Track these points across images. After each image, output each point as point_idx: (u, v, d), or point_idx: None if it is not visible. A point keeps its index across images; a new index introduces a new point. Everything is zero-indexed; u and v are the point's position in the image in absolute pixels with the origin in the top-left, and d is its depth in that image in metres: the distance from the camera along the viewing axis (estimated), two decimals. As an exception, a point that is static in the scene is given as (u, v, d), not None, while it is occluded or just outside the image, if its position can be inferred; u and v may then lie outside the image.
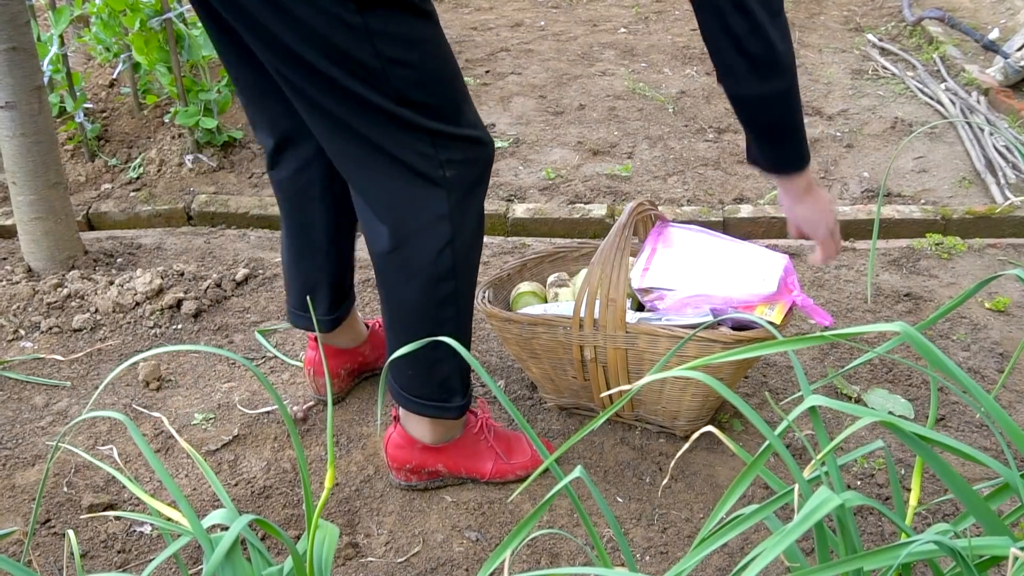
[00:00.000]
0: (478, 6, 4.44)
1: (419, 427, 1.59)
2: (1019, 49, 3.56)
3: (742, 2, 1.28)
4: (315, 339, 1.79)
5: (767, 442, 0.76)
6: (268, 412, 1.81)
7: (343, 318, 1.78)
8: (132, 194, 2.73)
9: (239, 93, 1.54)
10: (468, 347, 1.60)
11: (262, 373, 1.23)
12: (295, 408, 1.80)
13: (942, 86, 3.40)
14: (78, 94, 2.83)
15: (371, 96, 1.27)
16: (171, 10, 2.65)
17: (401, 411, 1.59)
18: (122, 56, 3.02)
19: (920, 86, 3.42)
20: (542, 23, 4.16)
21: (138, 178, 2.81)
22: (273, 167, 1.62)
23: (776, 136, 1.45)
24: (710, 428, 0.85)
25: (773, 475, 0.91)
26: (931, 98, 3.32)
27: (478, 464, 1.64)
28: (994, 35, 3.74)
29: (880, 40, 3.91)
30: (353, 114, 1.30)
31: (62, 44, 2.76)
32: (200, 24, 2.69)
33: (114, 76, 3.27)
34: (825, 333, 0.78)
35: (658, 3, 4.43)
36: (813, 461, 0.80)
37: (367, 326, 1.88)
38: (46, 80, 2.63)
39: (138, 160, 2.88)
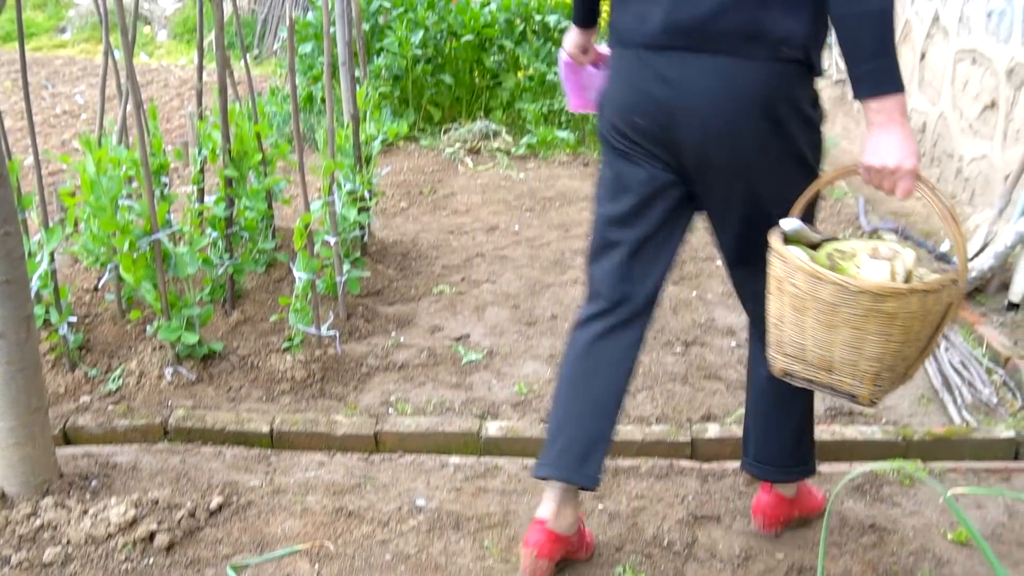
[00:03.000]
0: (455, 208, 4.64)
1: (789, 488, 2.15)
2: (970, 260, 3.75)
3: None
4: (543, 522, 1.94)
5: None
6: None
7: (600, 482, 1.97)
8: (110, 407, 2.77)
9: (608, 248, 1.92)
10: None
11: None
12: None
13: (898, 298, 3.55)
14: (63, 307, 2.90)
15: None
16: (159, 230, 2.77)
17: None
18: (109, 266, 3.12)
19: (877, 298, 3.57)
20: (516, 227, 4.34)
21: (117, 390, 2.85)
22: (586, 323, 1.96)
23: (879, 52, 1.63)
24: None
25: None
26: (888, 310, 3.46)
27: (812, 502, 2.23)
28: (945, 247, 3.94)
29: (838, 248, 4.10)
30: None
31: (52, 261, 2.85)
32: (183, 247, 2.81)
33: (99, 285, 3.36)
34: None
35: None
36: None
37: None
38: (33, 293, 2.71)
39: (118, 371, 2.93)
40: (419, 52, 5.76)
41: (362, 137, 3.68)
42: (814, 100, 1.82)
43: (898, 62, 1.66)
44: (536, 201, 4.74)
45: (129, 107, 3.12)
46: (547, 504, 1.94)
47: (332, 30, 3.88)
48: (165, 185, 3.35)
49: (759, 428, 2.13)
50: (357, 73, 3.86)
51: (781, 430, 2.09)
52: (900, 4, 5.88)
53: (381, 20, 5.98)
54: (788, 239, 1.77)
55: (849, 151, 6.08)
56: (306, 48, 6.00)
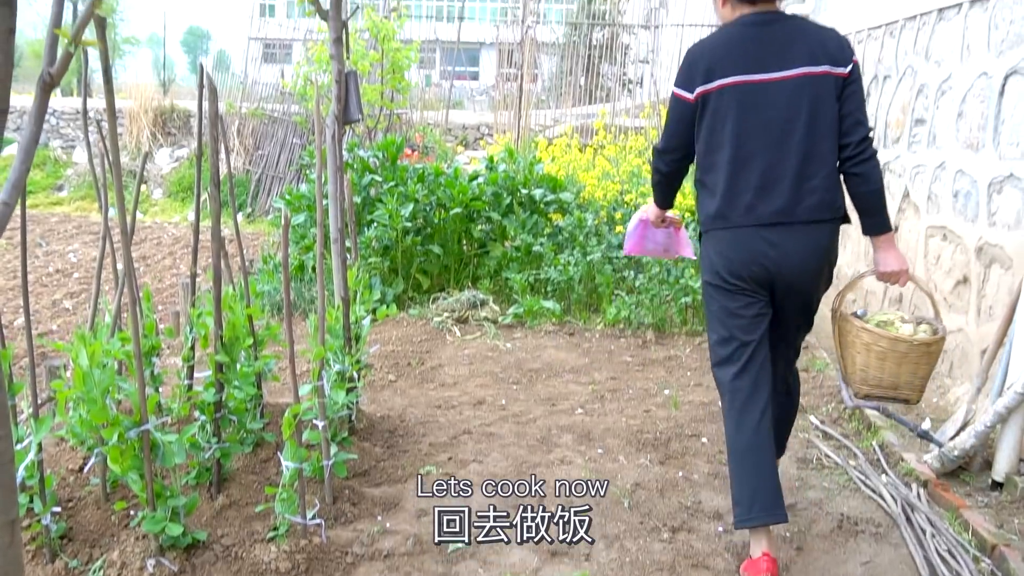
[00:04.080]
0: (443, 382, 4.68)
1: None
2: (952, 438, 3.78)
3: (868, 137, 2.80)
4: (769, 554, 2.73)
5: None
6: None
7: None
8: (89, 603, 2.72)
9: (732, 329, 2.89)
10: None
11: None
12: None
13: (883, 478, 3.58)
14: (48, 496, 2.89)
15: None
16: (149, 421, 2.79)
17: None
18: (95, 451, 3.12)
19: (863, 478, 3.59)
20: (503, 401, 4.38)
21: (97, 583, 2.81)
22: (738, 365, 2.88)
23: (880, 209, 2.84)
24: None
25: None
26: (874, 491, 3.48)
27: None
28: (926, 424, 3.99)
29: (822, 423, 4.15)
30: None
31: (39, 451, 2.86)
32: (170, 435, 2.83)
33: (85, 468, 3.35)
34: None
35: (613, 380, 4.70)
36: None
37: None
38: (18, 481, 2.70)
39: (99, 562, 2.89)
40: (409, 224, 5.94)
41: (352, 317, 3.75)
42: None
43: (888, 211, 2.88)
44: (523, 373, 4.79)
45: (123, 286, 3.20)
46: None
47: (325, 203, 4.02)
48: (155, 365, 3.40)
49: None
50: (348, 243, 3.97)
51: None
52: (871, 179, 6.13)
53: (372, 192, 6.18)
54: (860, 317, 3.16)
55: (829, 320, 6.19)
56: (299, 219, 6.17)
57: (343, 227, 3.94)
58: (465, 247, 6.38)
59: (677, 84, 2.88)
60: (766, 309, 2.87)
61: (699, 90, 2.81)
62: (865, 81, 6.47)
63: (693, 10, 13.46)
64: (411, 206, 5.93)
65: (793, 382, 3.20)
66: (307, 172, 8.18)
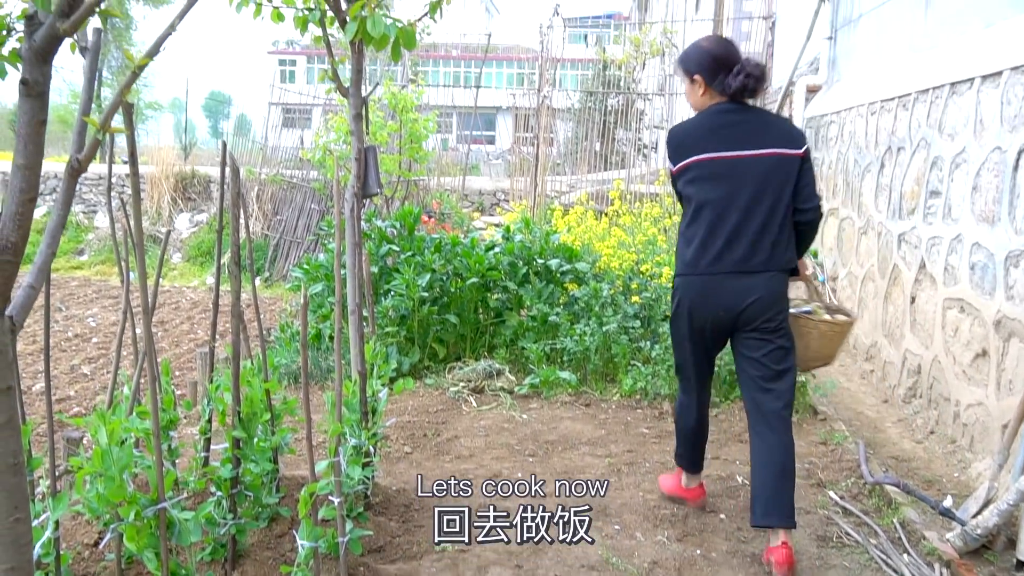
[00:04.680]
0: (459, 454, 4.67)
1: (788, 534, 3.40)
2: (974, 516, 3.73)
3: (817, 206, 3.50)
4: (787, 543, 3.35)
5: None
6: None
7: None
8: None
9: (692, 375, 3.76)
10: None
11: None
12: None
13: (905, 557, 3.52)
14: (64, 574, 2.88)
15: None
16: (166, 500, 2.79)
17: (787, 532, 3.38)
18: (111, 526, 3.12)
19: (884, 557, 3.54)
20: (519, 475, 4.35)
21: (110, 664, 2.79)
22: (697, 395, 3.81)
23: (807, 249, 3.61)
24: None
25: None
26: (896, 571, 3.43)
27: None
28: (948, 501, 3.94)
29: (842, 498, 4.10)
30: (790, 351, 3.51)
31: (56, 529, 2.86)
32: (186, 513, 2.83)
33: (100, 545, 3.34)
34: None
35: (629, 453, 4.67)
36: None
37: None
38: (35, 559, 2.70)
39: (113, 641, 2.87)
40: (425, 294, 5.98)
41: (369, 391, 3.76)
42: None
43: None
44: (539, 445, 4.77)
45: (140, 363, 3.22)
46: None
47: (342, 272, 4.05)
48: (172, 439, 3.41)
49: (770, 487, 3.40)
50: (365, 313, 3.99)
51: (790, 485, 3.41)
52: (888, 248, 6.14)
53: (389, 262, 6.24)
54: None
55: (847, 389, 6.16)
56: (316, 288, 6.22)
57: (361, 299, 3.97)
58: (481, 316, 6.40)
59: (669, 159, 3.59)
60: (721, 344, 3.68)
61: (685, 162, 3.49)
62: (879, 152, 6.53)
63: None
64: (428, 276, 5.98)
65: (786, 425, 3.49)
66: (325, 242, 8.25)
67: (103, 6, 1.90)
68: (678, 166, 3.51)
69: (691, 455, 3.93)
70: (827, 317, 3.89)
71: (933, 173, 5.42)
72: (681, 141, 3.52)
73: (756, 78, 3.45)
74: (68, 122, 37.00)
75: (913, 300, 5.61)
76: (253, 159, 16.34)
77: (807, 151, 3.45)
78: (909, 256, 5.72)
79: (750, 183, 3.38)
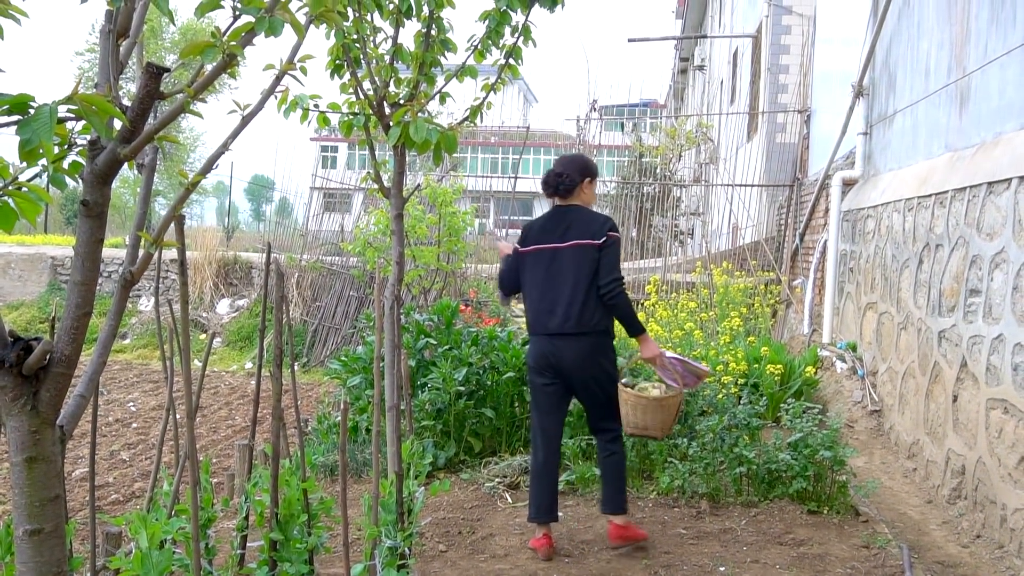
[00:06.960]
0: (494, 553, 4.63)
1: (624, 518, 4.66)
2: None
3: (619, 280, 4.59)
4: (547, 535, 4.60)
5: None
6: None
7: None
8: None
9: (546, 425, 4.70)
10: None
11: None
12: None
13: (953, 673, 3.42)
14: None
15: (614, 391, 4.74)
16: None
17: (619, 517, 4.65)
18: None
19: (931, 672, 3.43)
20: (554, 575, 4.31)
21: None
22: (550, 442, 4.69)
23: (633, 324, 4.62)
24: None
25: None
26: None
27: (638, 531, 4.73)
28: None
29: (886, 608, 4.00)
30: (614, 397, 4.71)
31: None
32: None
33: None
34: None
35: (667, 555, 4.60)
36: None
37: None
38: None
39: None
40: (462, 388, 6.00)
41: (405, 492, 3.77)
42: (612, 346, 4.67)
43: (638, 322, 4.64)
44: (575, 545, 4.72)
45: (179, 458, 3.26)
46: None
47: (381, 365, 4.10)
48: (210, 537, 3.43)
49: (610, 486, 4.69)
50: (402, 407, 4.02)
51: (620, 484, 4.70)
52: (928, 345, 6.09)
53: (427, 355, 6.28)
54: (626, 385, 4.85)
55: (890, 488, 6.05)
56: (354, 380, 6.27)
57: (399, 394, 4.00)
58: (517, 410, 6.39)
59: (519, 243, 4.76)
60: (561, 388, 4.65)
61: (525, 249, 4.69)
62: (917, 248, 6.53)
63: (740, 171, 13.74)
64: (464, 370, 6.01)
65: (617, 448, 4.73)
66: (363, 334, 8.34)
67: (161, 133, 1.99)
68: (522, 251, 4.71)
69: (538, 499, 4.63)
70: (654, 391, 4.84)
71: (972, 271, 5.40)
72: (527, 231, 4.77)
73: (543, 182, 4.74)
74: (117, 206, 37.95)
75: (955, 399, 5.54)
76: (294, 245, 16.64)
77: (607, 240, 4.51)
78: (950, 354, 5.66)
79: (566, 265, 4.54)
